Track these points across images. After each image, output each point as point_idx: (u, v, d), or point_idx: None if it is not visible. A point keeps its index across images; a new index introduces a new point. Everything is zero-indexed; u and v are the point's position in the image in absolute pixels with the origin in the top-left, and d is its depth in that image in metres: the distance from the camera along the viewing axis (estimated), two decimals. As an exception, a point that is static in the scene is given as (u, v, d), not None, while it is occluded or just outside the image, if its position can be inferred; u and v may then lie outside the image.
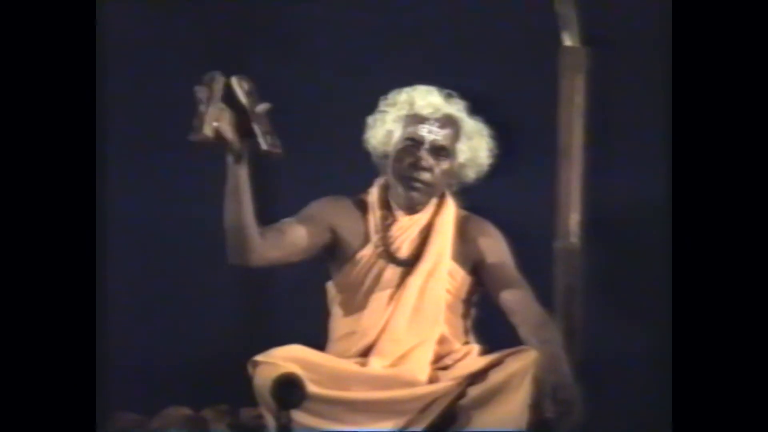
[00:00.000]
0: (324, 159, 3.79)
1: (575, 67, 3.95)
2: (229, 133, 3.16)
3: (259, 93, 3.19)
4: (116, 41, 3.88)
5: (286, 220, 3.43)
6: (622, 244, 3.99)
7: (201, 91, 3.15)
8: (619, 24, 3.94)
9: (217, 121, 3.15)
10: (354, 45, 4.09)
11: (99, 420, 2.90)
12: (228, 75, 3.17)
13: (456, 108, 3.49)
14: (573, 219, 3.94)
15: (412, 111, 3.45)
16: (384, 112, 3.50)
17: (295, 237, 3.41)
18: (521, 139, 4.01)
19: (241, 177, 3.23)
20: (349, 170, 3.59)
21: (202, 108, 3.14)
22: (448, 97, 3.48)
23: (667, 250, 2.97)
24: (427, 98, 3.46)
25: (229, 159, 3.22)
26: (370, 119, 3.51)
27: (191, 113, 3.17)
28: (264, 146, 3.17)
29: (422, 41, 4.08)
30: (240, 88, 3.19)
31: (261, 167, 3.27)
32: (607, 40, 3.95)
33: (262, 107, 3.19)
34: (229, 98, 3.17)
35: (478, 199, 3.60)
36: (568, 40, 3.97)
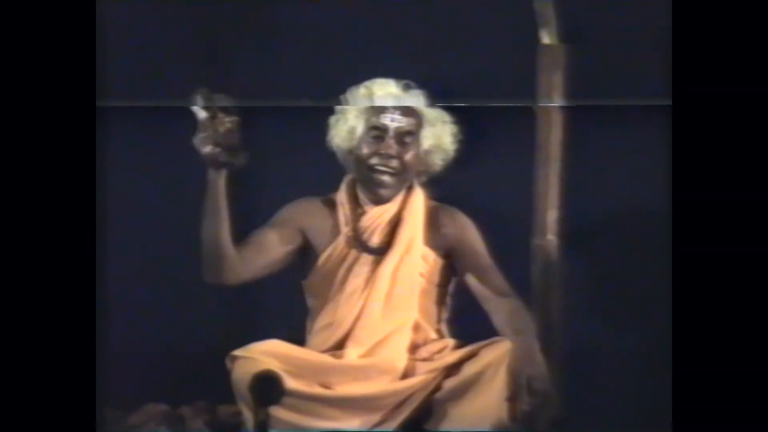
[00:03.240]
0: (303, 159, 3.79)
1: (553, 65, 3.96)
2: (207, 147, 3.18)
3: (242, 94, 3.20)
4: (116, 38, 3.88)
5: (258, 230, 3.44)
6: (600, 242, 4.00)
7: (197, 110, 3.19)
8: (597, 22, 3.95)
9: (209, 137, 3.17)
10: (338, 41, 4.10)
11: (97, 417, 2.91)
12: (217, 77, 3.19)
13: (415, 98, 3.49)
14: (551, 216, 3.95)
15: (372, 104, 3.47)
16: (344, 109, 3.50)
17: (270, 249, 3.42)
18: (500, 135, 4.02)
19: (219, 192, 3.24)
20: (332, 168, 3.59)
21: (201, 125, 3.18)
22: (407, 87, 3.49)
23: (648, 248, 2.97)
24: (385, 89, 3.47)
25: (211, 173, 3.23)
26: (332, 119, 3.52)
27: (190, 112, 3.19)
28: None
29: (401, 37, 4.09)
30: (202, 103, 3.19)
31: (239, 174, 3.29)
32: (586, 37, 3.96)
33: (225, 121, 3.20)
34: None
35: (456, 193, 3.61)
36: (546, 38, 3.98)
